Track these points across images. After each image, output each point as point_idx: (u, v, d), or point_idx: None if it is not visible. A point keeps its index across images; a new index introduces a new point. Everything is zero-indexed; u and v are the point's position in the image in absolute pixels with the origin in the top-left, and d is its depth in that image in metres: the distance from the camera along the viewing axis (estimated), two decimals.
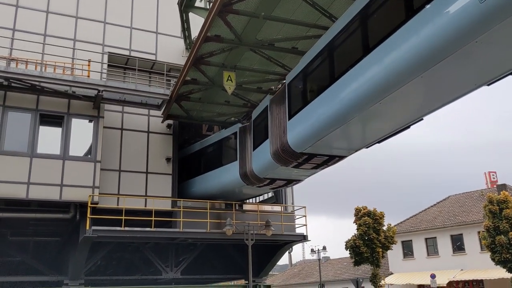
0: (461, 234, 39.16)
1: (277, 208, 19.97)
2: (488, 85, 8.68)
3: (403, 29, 8.45)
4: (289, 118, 13.21)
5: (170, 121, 19.07)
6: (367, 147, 12.96)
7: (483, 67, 8.22)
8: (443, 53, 7.78)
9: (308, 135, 12.30)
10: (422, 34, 7.98)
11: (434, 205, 45.59)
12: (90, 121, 17.03)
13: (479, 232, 35.56)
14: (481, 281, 37.27)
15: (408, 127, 11.05)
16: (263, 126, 15.29)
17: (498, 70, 8.21)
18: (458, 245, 39.48)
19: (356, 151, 13.37)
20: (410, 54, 8.35)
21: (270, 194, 21.52)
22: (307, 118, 12.14)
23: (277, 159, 14.15)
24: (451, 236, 39.83)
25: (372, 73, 9.42)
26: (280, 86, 15.43)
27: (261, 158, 15.26)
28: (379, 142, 12.40)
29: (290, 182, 16.70)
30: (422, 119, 10.54)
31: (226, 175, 17.53)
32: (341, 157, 13.72)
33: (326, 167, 14.66)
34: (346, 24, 10.58)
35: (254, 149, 15.96)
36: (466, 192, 44.23)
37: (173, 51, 20.18)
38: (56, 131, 16.57)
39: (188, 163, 19.94)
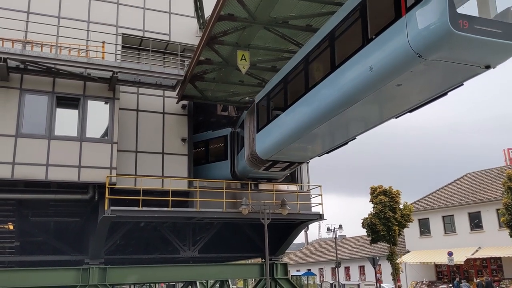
0: (479, 212, 38.85)
1: (292, 187, 20.00)
2: (396, 117, 11.88)
3: (327, 80, 11.75)
4: (257, 131, 16.10)
5: (185, 102, 19.08)
6: (319, 156, 16.22)
7: (384, 108, 11.55)
8: (356, 98, 10.86)
9: (271, 147, 15.26)
10: (341, 85, 11.13)
11: (452, 182, 45.23)
12: (106, 102, 17.12)
13: (497, 210, 35.26)
14: (499, 258, 37.09)
15: (346, 143, 14.38)
16: (242, 134, 17.96)
17: (396, 110, 11.51)
18: (475, 223, 39.21)
19: (311, 158, 16.73)
20: (332, 98, 11.59)
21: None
22: (270, 133, 15.04)
23: (250, 164, 17.08)
24: (469, 213, 39.57)
25: (311, 107, 12.54)
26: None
27: (241, 161, 17.97)
28: (327, 153, 15.64)
29: (270, 180, 19.11)
30: (355, 138, 13.85)
31: (221, 170, 19.09)
32: (300, 163, 17.06)
33: (291, 170, 18.02)
34: (295, 65, 13.78)
35: (237, 153, 18.64)
36: (484, 170, 43.72)
37: (187, 31, 20.06)
38: (73, 113, 16.72)
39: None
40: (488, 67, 9.23)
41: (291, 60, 14.22)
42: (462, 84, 9.95)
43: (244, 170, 18.03)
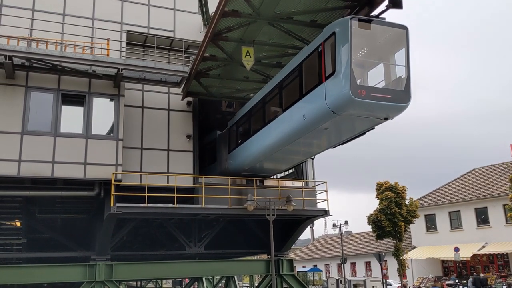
0: (486, 207, 38.66)
1: (298, 183, 19.97)
2: (333, 147, 15.29)
3: (275, 120, 14.96)
4: (229, 152, 18.65)
5: (190, 98, 19.09)
6: (280, 173, 20.09)
7: (321, 142, 14.94)
8: (296, 136, 14.11)
9: (241, 165, 17.85)
10: (286, 126, 14.33)
11: (458, 178, 45.04)
12: (111, 99, 17.13)
13: (504, 205, 35.09)
14: (506, 254, 36.92)
15: (301, 163, 19.45)
16: (213, 151, 20.23)
17: (330, 143, 14.99)
18: (482, 218, 39.04)
19: (275, 174, 19.64)
20: (279, 135, 14.78)
21: (291, 170, 21.54)
22: (239, 154, 17.75)
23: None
24: (475, 209, 39.39)
25: (266, 139, 15.58)
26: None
27: (212, 173, 19.60)
28: (287, 170, 20.22)
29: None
30: (305, 161, 18.66)
31: None
32: (267, 176, 19.59)
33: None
34: (255, 103, 16.83)
35: (207, 165, 20.38)
36: (491, 165, 43.50)
37: (191, 28, 20.04)
38: (78, 110, 16.76)
39: None
40: (386, 119, 12.49)
41: (254, 97, 17.34)
42: (374, 128, 13.35)
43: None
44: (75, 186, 16.75)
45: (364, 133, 13.75)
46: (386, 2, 12.44)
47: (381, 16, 12.53)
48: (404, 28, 12.04)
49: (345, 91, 11.29)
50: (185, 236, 19.40)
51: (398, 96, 11.87)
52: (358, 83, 11.50)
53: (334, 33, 11.91)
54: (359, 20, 11.76)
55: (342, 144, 14.79)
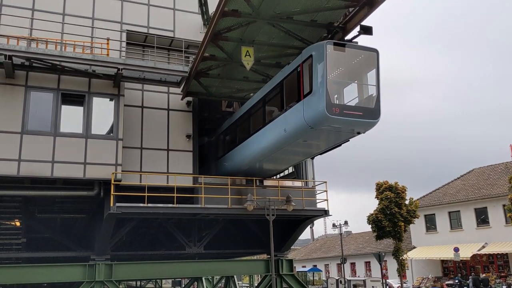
0: (486, 208, 38.65)
1: (297, 183, 19.95)
2: (312, 158, 18.34)
3: (259, 132, 16.03)
4: (219, 159, 19.83)
5: (190, 98, 19.08)
6: (270, 177, 20.20)
7: (303, 151, 16.27)
8: (279, 147, 15.33)
9: (229, 170, 18.75)
10: (269, 137, 15.44)
11: (458, 178, 45.03)
12: (111, 99, 17.12)
13: (504, 205, 35.08)
14: (506, 254, 36.92)
15: (284, 170, 20.88)
16: (200, 156, 20.25)
17: (307, 154, 17.02)
18: (482, 219, 39.04)
19: (265, 178, 19.75)
20: (263, 145, 15.85)
21: (290, 170, 21.55)
22: (228, 160, 18.89)
23: None
24: (475, 209, 39.38)
25: (251, 149, 16.69)
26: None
27: None
28: (275, 175, 20.82)
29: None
30: (288, 168, 20.18)
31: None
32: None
33: None
34: (241, 115, 18.02)
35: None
36: (491, 165, 43.49)
37: (191, 28, 20.03)
38: (78, 110, 16.75)
39: None
40: (359, 133, 13.83)
41: (239, 110, 18.54)
42: (348, 140, 14.88)
43: None
44: (75, 186, 16.73)
45: (340, 145, 15.44)
46: (383, 3, 12.56)
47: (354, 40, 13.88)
48: (375, 51, 13.19)
49: (320, 108, 12.53)
50: (184, 236, 19.39)
51: (369, 113, 13.12)
52: (332, 101, 12.72)
53: (311, 55, 13.09)
54: (334, 44, 13.03)
55: (320, 154, 16.65)
